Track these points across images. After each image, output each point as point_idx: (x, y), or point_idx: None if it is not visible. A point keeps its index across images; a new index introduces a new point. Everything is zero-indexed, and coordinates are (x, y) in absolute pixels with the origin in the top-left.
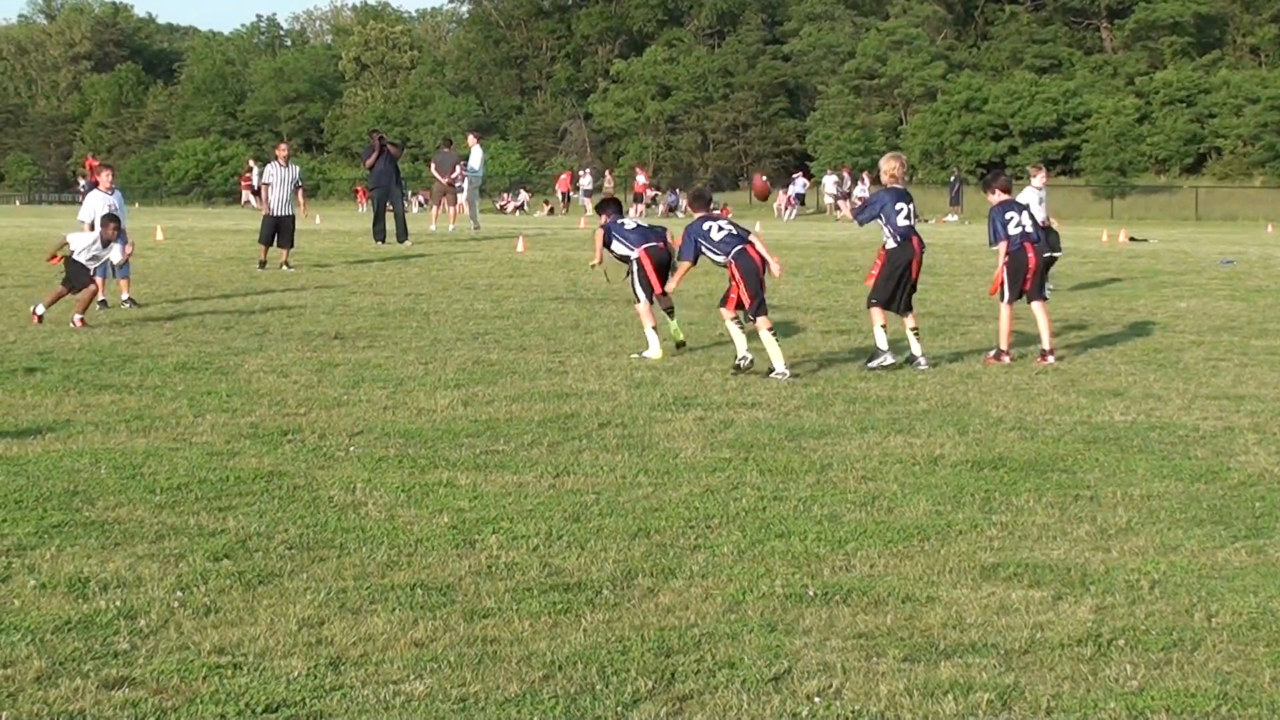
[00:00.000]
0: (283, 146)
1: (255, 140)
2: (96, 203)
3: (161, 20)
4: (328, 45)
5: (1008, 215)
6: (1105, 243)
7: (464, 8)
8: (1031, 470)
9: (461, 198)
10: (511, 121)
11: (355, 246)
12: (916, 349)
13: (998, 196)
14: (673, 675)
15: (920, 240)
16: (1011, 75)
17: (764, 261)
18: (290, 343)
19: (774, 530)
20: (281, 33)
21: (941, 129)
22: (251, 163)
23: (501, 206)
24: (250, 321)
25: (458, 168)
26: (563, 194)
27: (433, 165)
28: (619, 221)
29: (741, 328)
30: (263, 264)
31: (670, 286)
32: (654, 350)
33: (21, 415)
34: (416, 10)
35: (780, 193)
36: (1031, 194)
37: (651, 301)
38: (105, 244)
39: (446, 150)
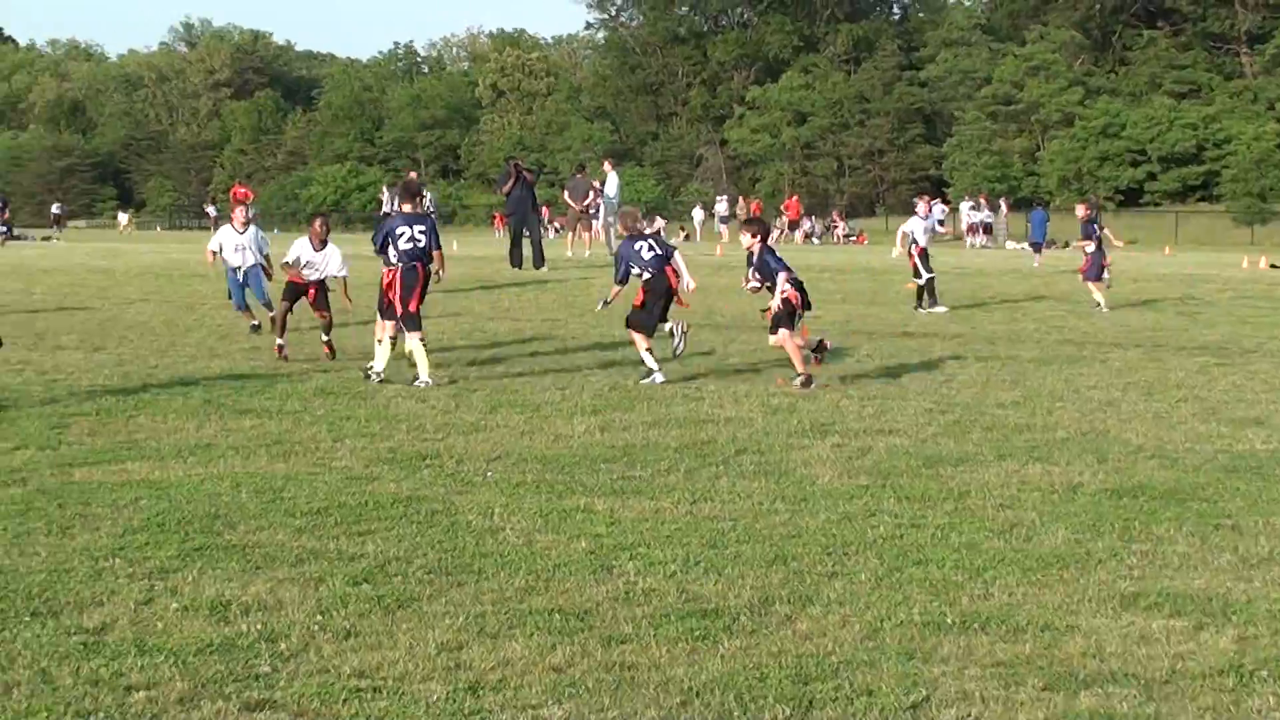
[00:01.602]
0: (412, 175)
1: (393, 166)
2: (225, 238)
3: (300, 47)
4: (465, 72)
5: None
6: (1246, 269)
7: (600, 34)
8: (1172, 499)
9: (596, 224)
10: (647, 148)
11: (492, 273)
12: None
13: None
14: (810, 703)
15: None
16: (1150, 101)
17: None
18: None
19: (912, 558)
20: (419, 59)
21: (1079, 155)
22: (385, 189)
23: None
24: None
25: (591, 193)
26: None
27: (566, 192)
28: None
29: None
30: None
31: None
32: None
33: (164, 439)
34: (553, 36)
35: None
36: (917, 223)
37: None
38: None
39: (580, 177)
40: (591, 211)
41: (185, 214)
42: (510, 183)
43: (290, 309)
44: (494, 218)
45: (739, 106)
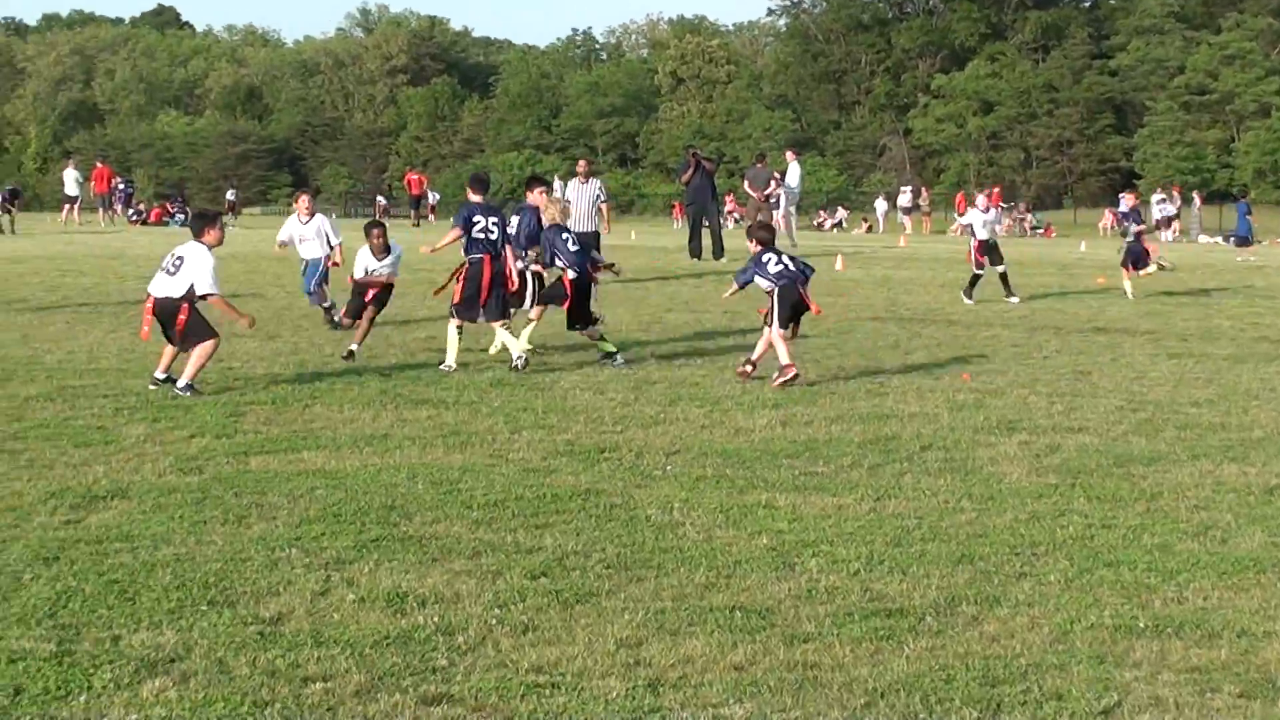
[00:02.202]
0: (582, 163)
1: (570, 155)
2: (292, 229)
3: (477, 34)
4: (643, 59)
5: None
6: None
7: (782, 21)
8: None
9: (777, 214)
10: (829, 137)
11: (670, 263)
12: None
13: None
14: (999, 706)
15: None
16: None
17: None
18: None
19: (1103, 559)
20: (597, 46)
21: (1276, 147)
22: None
23: (819, 224)
24: (563, 338)
25: (772, 183)
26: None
27: (746, 181)
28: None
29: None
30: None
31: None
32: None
33: (340, 429)
34: (733, 24)
35: (1108, 211)
36: (976, 215)
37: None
38: (379, 254)
39: (760, 166)
40: (772, 201)
41: (360, 201)
42: (690, 171)
43: (362, 315)
44: (673, 207)
45: (923, 95)
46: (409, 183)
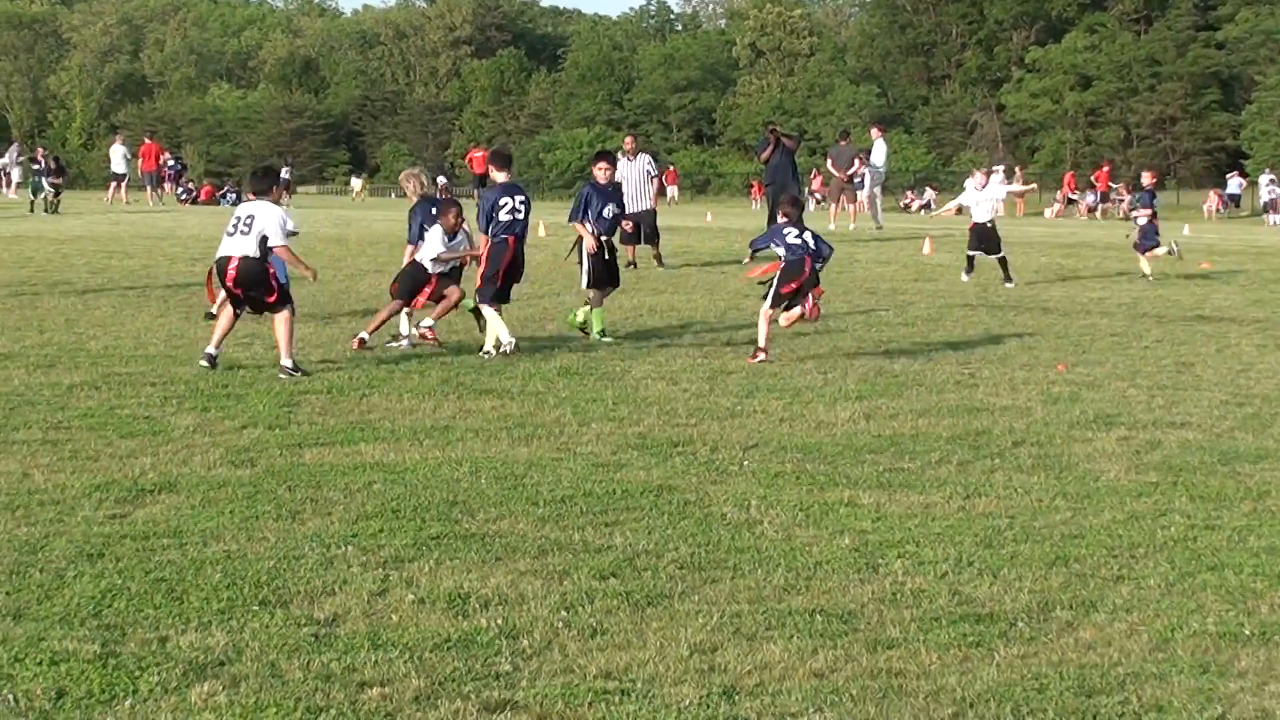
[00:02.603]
0: (629, 138)
1: (643, 131)
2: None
3: (545, 3)
4: (721, 30)
5: None
6: None
7: None
8: None
9: (862, 195)
10: (917, 113)
11: (747, 247)
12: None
13: None
14: (1095, 717)
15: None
16: None
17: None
18: (679, 348)
19: (1206, 562)
20: (672, 17)
21: None
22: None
23: (906, 205)
24: (631, 325)
25: (856, 162)
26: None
27: (829, 160)
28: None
29: None
30: (630, 264)
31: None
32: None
33: (399, 420)
34: None
35: (1212, 192)
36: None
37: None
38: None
39: (844, 144)
40: (856, 181)
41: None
42: (769, 149)
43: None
44: (751, 187)
45: (1017, 69)
46: (471, 160)
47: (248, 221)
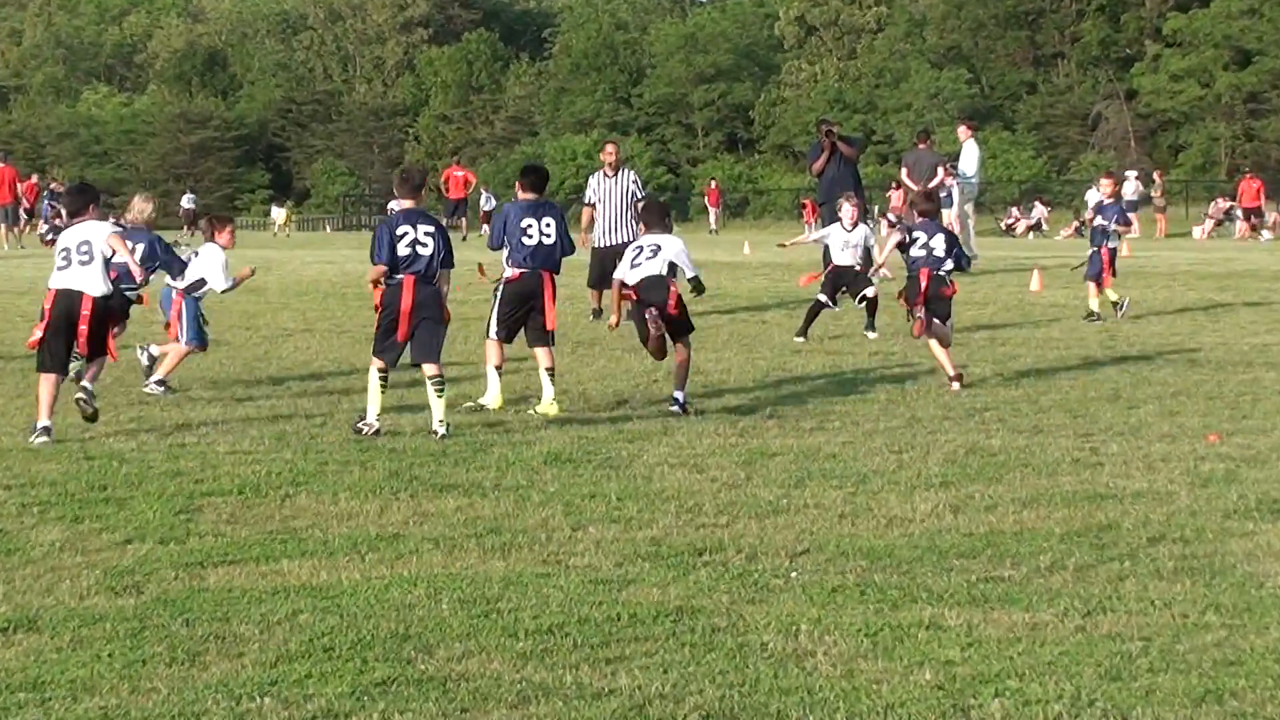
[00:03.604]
0: (610, 147)
1: (658, 136)
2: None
3: None
4: (759, 2)
5: None
6: None
7: None
8: None
9: (947, 213)
10: (1021, 105)
11: (795, 284)
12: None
13: None
14: None
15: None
16: None
17: None
18: (705, 423)
19: None
20: None
21: None
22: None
23: (1008, 226)
24: (645, 392)
25: (940, 171)
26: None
27: (904, 169)
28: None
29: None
30: (596, 313)
31: None
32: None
33: (333, 527)
34: None
35: None
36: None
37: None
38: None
39: (923, 147)
40: (941, 196)
41: (366, 207)
42: (823, 157)
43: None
44: (802, 206)
45: (1152, 43)
46: (449, 182)
47: (83, 249)
